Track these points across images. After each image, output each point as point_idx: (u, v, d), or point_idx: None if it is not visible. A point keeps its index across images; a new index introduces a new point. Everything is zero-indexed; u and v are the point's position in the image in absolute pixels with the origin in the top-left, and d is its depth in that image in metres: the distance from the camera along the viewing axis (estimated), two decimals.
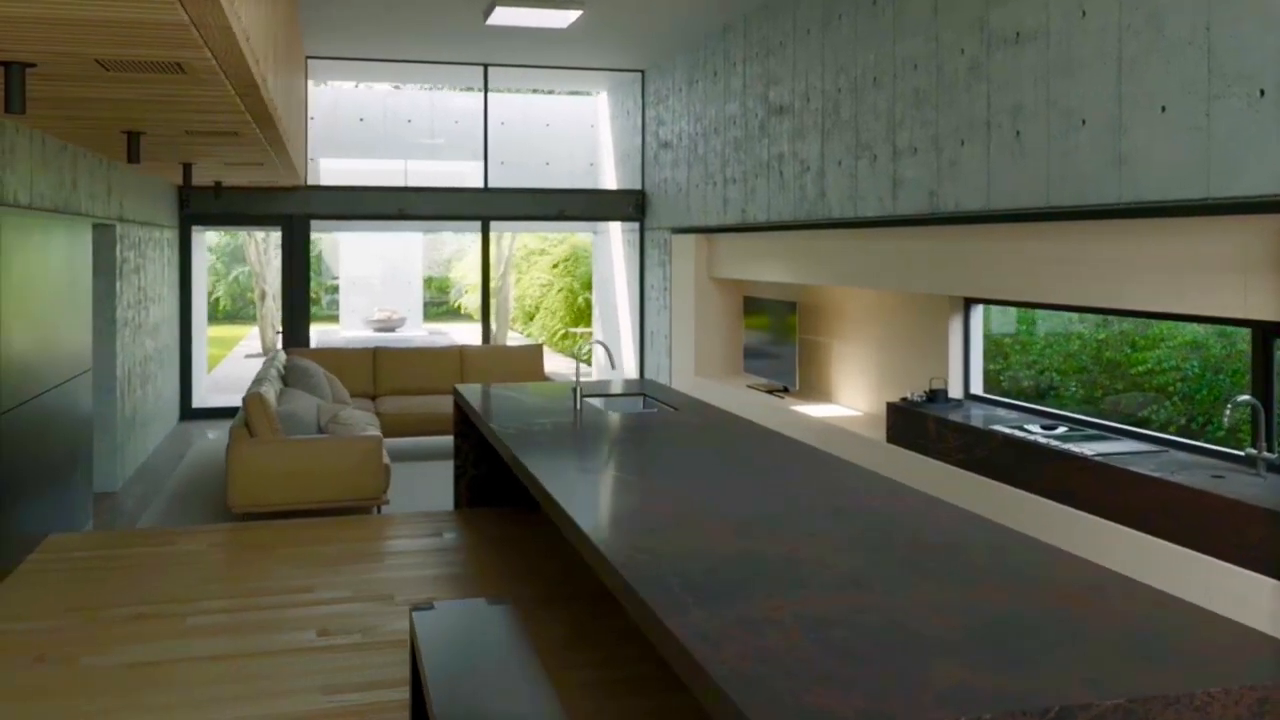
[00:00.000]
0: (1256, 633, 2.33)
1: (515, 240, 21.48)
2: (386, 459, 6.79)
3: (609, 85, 12.99)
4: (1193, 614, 2.46)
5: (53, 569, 5.38)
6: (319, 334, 23.39)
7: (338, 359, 9.52)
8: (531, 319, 19.71)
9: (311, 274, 27.31)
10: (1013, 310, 7.14)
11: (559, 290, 18.40)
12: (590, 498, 3.61)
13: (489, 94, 12.05)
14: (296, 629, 4.54)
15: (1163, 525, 4.62)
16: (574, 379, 6.30)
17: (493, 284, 22.34)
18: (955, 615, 2.44)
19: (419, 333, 23.37)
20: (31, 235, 5.60)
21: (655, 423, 5.23)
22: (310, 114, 12.76)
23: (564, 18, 8.79)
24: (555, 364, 18.38)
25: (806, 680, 2.07)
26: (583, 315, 17.54)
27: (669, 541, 3.05)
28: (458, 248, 26.21)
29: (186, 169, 7.59)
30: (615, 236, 13.25)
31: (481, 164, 13.79)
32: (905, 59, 6.33)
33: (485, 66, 11.39)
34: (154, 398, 9.26)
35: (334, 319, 25.39)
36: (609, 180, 13.30)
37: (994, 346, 7.29)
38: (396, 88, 14.19)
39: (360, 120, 13.20)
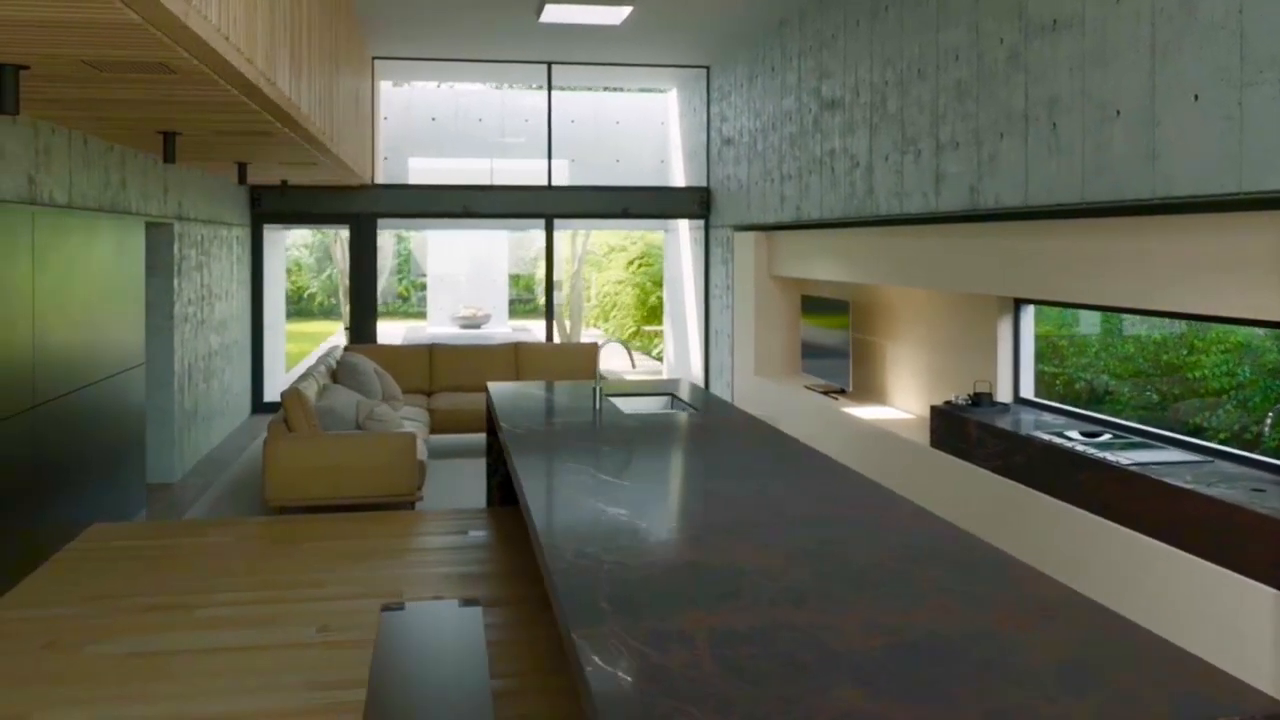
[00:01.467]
0: (1204, 664, 2.14)
1: (589, 238, 21.55)
2: (422, 456, 6.84)
3: (678, 82, 12.90)
4: (1143, 642, 2.27)
5: (87, 557, 5.54)
6: (408, 330, 23.95)
7: (395, 355, 9.64)
8: (607, 316, 19.74)
9: (402, 272, 27.93)
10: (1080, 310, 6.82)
11: (632, 287, 18.39)
12: (561, 500, 3.54)
13: (559, 92, 12.10)
14: (299, 624, 4.57)
15: (1193, 540, 4.35)
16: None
17: (565, 280, 22.52)
18: (885, 635, 2.31)
19: (503, 329, 23.65)
20: (72, 234, 5.77)
21: (670, 424, 5.14)
22: (384, 114, 13.00)
23: (616, 14, 8.74)
24: (626, 363, 18.36)
25: (686, 701, 1.97)
26: (655, 313, 17.51)
27: (617, 548, 2.97)
28: (544, 245, 26.38)
29: (241, 168, 7.76)
30: (684, 234, 13.16)
31: (562, 161, 13.91)
32: (948, 49, 6.11)
33: (549, 65, 11.40)
34: (220, 392, 9.50)
35: (423, 315, 25.88)
36: (679, 178, 13.21)
37: (1050, 349, 6.99)
38: (497, 87, 14.28)
39: (432, 120, 13.37)
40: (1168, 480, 4.51)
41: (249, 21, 3.87)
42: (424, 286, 26.41)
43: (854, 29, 7.49)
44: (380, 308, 27.73)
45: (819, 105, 8.23)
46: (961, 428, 6.27)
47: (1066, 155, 4.96)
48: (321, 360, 8.29)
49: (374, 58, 10.96)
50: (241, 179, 7.91)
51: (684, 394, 6.12)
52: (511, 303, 25.90)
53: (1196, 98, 4.13)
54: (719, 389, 11.77)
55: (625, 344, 6.00)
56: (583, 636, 2.29)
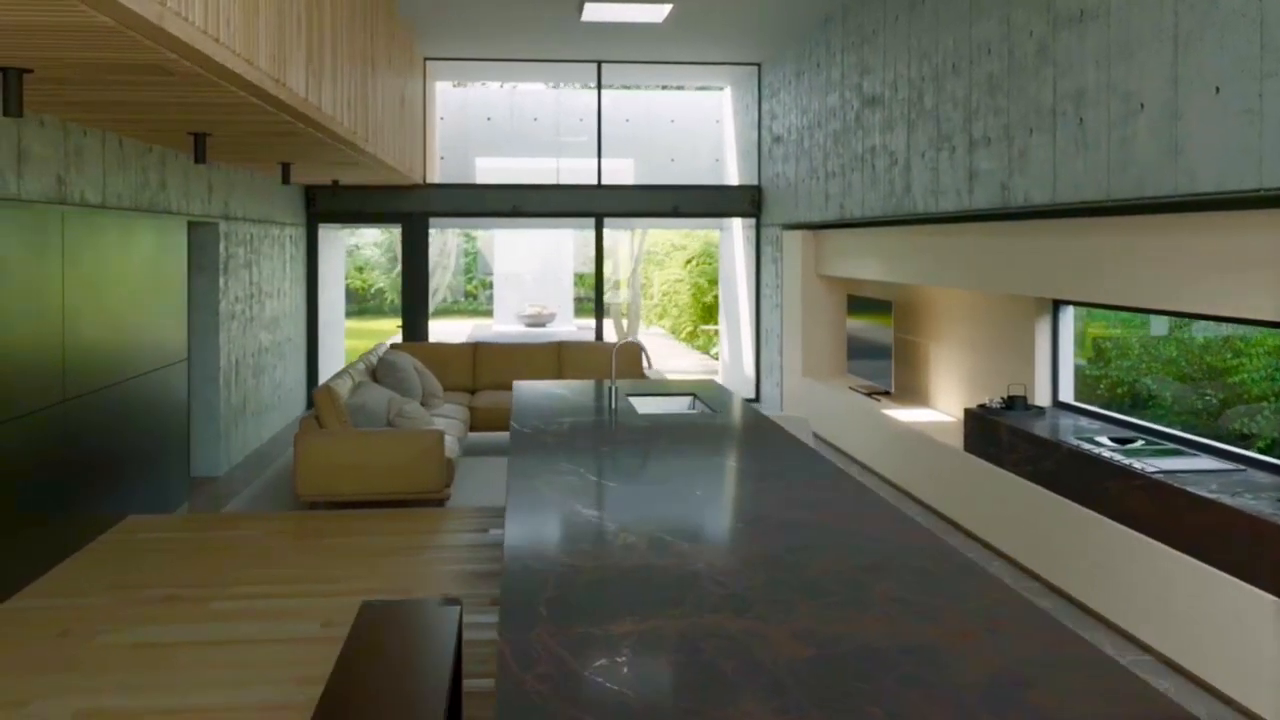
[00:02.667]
0: (1141, 684, 2.03)
1: (646, 236, 21.57)
2: (452, 453, 6.88)
3: (732, 79, 12.80)
4: (1083, 659, 2.16)
5: (117, 548, 5.69)
6: (474, 327, 24.23)
7: (441, 353, 9.72)
8: (665, 315, 19.71)
9: (469, 270, 28.24)
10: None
11: (689, 286, 18.34)
12: (541, 500, 3.52)
13: (616, 91, 12.08)
14: (305, 619, 4.64)
15: (1212, 550, 4.17)
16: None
17: (624, 279, 22.54)
18: (817, 646, 2.24)
19: (568, 327, 23.78)
20: (106, 233, 5.93)
21: (681, 426, 5.08)
22: (440, 114, 13.15)
23: (658, 12, 8.70)
24: (686, 361, 18.30)
25: (586, 709, 1.93)
26: (711, 311, 17.43)
27: (577, 551, 2.94)
28: (610, 244, 26.46)
29: (285, 168, 7.88)
30: (737, 233, 13.06)
31: (626, 161, 13.94)
32: (980, 43, 5.95)
33: (599, 64, 11.40)
34: (271, 388, 9.69)
35: (490, 314, 26.13)
36: (734, 176, 13.12)
37: (1097, 352, 6.77)
38: (554, 87, 14.33)
39: (488, 119, 13.48)
40: (1190, 489, 4.34)
41: (247, 24, 3.92)
42: (491, 285, 26.66)
43: (893, 23, 7.34)
44: (450, 305, 28.13)
45: (860, 102, 8.10)
46: (994, 432, 6.11)
47: (1093, 151, 4.79)
48: (363, 358, 8.40)
49: (426, 59, 11.08)
50: (285, 179, 8.04)
51: (707, 395, 6.06)
52: (578, 300, 26.01)
53: (1218, 90, 3.95)
54: (769, 389, 11.66)
55: (643, 345, 5.96)
56: (509, 640, 2.26)
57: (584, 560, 2.85)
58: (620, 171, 14.34)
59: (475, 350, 9.77)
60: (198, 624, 4.59)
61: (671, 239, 20.32)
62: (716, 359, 16.11)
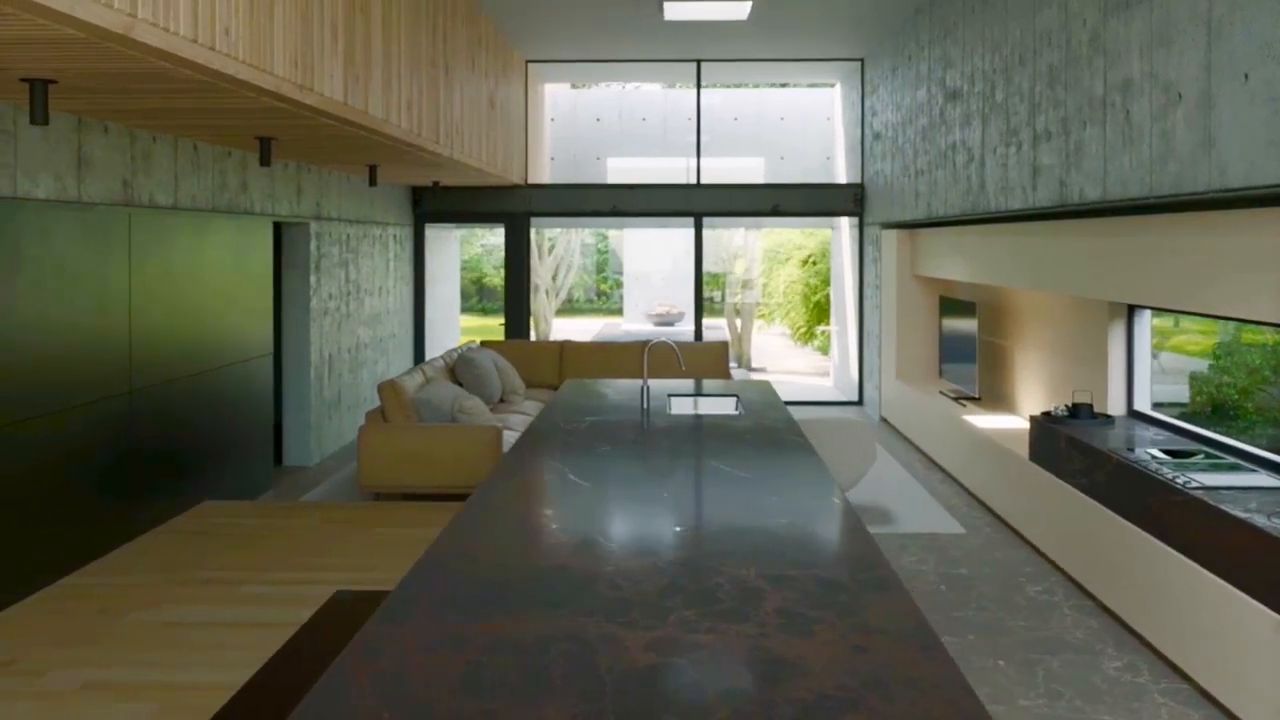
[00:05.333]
0: (979, 710, 1.91)
1: (761, 236, 21.42)
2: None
3: (840, 75, 12.55)
4: (930, 683, 2.04)
5: (182, 532, 6.01)
6: (604, 325, 24.53)
7: (529, 351, 9.89)
8: (786, 315, 19.49)
9: (602, 270, 28.60)
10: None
11: (801, 285, 18.07)
12: (505, 498, 3.55)
13: (726, 90, 12.02)
14: (319, 605, 4.79)
15: (1240, 574, 3.87)
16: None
17: (746, 279, 22.38)
18: (665, 654, 2.19)
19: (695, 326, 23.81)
20: (178, 234, 6.27)
21: (701, 428, 5.02)
22: (550, 115, 13.37)
23: (739, 9, 8.62)
24: (798, 362, 18.04)
25: (388, 704, 1.94)
26: (824, 311, 17.13)
27: (504, 549, 2.95)
28: (741, 244, 26.37)
29: (372, 170, 8.17)
30: (845, 232, 12.81)
31: (756, 160, 13.88)
32: (1042, 32, 5.67)
33: (698, 62, 11.36)
34: (371, 382, 10.04)
35: (621, 312, 26.40)
36: (842, 174, 12.87)
37: (1217, 358, 6.33)
38: (668, 87, 14.38)
39: (597, 120, 13.62)
40: (1223, 507, 4.03)
41: (254, 31, 4.08)
42: (621, 284, 26.92)
43: (971, 15, 7.07)
44: (581, 304, 28.52)
45: (944, 96, 7.83)
46: (1054, 441, 5.81)
47: (1137, 144, 4.51)
48: (444, 355, 8.62)
49: (527, 61, 11.27)
50: (372, 180, 8.33)
51: (749, 396, 5.97)
52: (708, 300, 25.98)
53: (1246, 77, 3.66)
54: (870, 392, 11.39)
55: (673, 346, 5.92)
56: (372, 632, 2.30)
57: (504, 558, 2.87)
58: (751, 170, 14.20)
59: (562, 348, 9.89)
60: (224, 606, 4.81)
61: (794, 238, 20.09)
62: (828, 359, 15.83)
